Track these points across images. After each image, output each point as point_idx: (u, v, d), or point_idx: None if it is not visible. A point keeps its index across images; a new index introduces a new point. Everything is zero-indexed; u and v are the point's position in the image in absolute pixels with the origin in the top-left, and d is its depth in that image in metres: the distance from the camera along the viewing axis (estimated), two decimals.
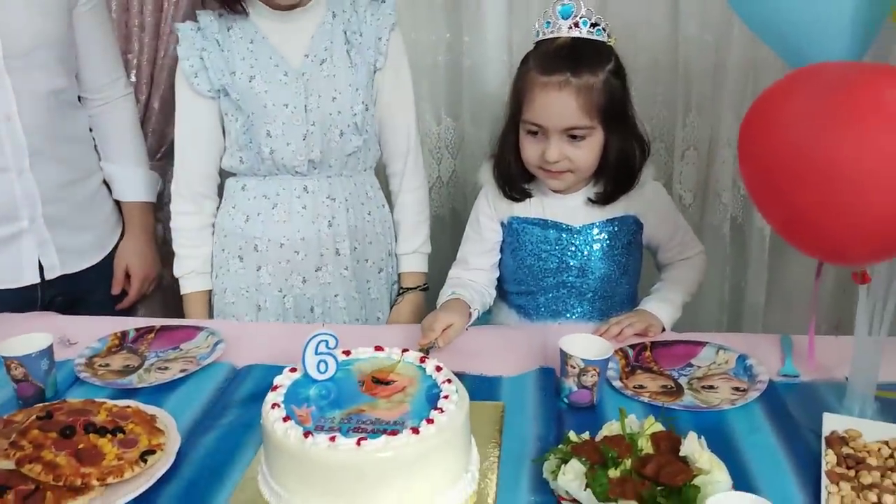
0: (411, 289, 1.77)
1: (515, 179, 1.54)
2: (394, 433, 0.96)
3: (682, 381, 1.30)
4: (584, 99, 1.39)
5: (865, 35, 1.06)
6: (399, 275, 1.79)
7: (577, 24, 1.44)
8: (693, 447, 1.00)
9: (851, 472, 1.02)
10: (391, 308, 1.79)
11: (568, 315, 1.56)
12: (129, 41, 1.93)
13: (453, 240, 1.89)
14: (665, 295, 1.53)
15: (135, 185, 1.84)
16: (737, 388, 1.27)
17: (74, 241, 1.72)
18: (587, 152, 1.45)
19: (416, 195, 1.77)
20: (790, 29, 1.07)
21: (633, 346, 1.39)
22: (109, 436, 1.08)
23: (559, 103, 1.40)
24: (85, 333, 1.47)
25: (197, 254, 1.71)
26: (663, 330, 1.47)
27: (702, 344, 1.40)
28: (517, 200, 1.56)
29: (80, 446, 1.05)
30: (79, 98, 1.75)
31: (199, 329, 1.50)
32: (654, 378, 1.31)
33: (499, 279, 1.63)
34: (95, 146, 1.82)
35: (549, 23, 1.46)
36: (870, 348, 1.16)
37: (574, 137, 1.43)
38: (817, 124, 0.94)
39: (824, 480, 1.01)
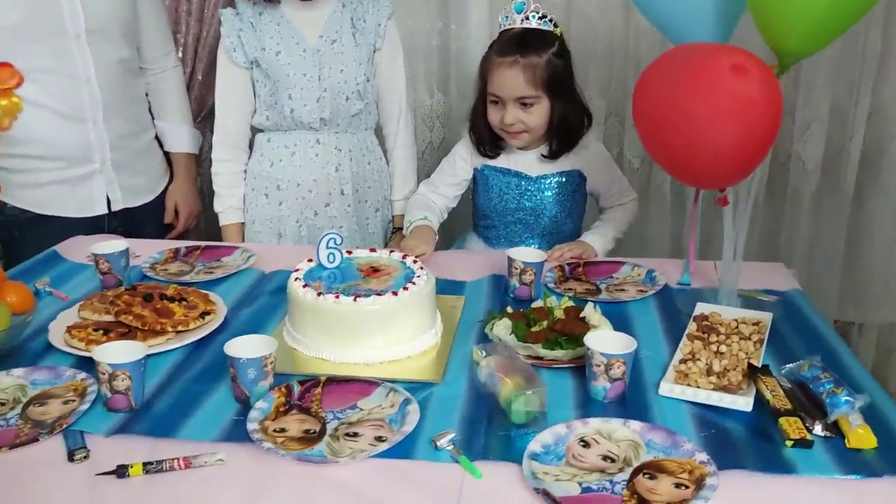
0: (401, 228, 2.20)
1: (485, 141, 1.96)
2: (380, 294, 1.39)
3: (602, 286, 1.72)
4: (529, 74, 1.81)
5: (727, 23, 1.48)
6: (393, 217, 2.22)
7: (527, 17, 1.86)
8: (589, 311, 1.43)
9: (704, 335, 1.44)
10: (385, 244, 2.21)
11: (522, 246, 1.97)
12: (178, 23, 2.35)
13: None
14: (600, 230, 1.95)
15: (181, 138, 2.28)
16: (641, 291, 1.68)
17: (134, 181, 2.16)
18: (536, 117, 1.86)
19: (406, 152, 2.19)
20: (671, 17, 1.48)
21: (569, 265, 1.81)
22: (177, 302, 1.51)
23: (511, 78, 1.82)
24: (144, 252, 1.90)
25: (233, 193, 2.14)
26: (596, 256, 1.89)
27: (622, 263, 1.82)
28: (490, 157, 1.97)
29: (158, 306, 1.48)
30: (140, 68, 2.18)
31: (235, 248, 1.93)
32: (581, 284, 1.73)
33: (472, 215, 2.05)
34: (150, 108, 2.25)
35: (507, 17, 1.89)
36: (731, 265, 1.58)
37: (525, 105, 1.85)
38: (676, 85, 1.36)
39: (683, 340, 1.42)
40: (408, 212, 1.99)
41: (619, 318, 1.51)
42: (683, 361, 1.34)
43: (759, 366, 1.31)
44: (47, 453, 1.13)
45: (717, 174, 1.41)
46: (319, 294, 1.38)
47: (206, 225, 2.40)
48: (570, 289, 1.69)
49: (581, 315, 1.43)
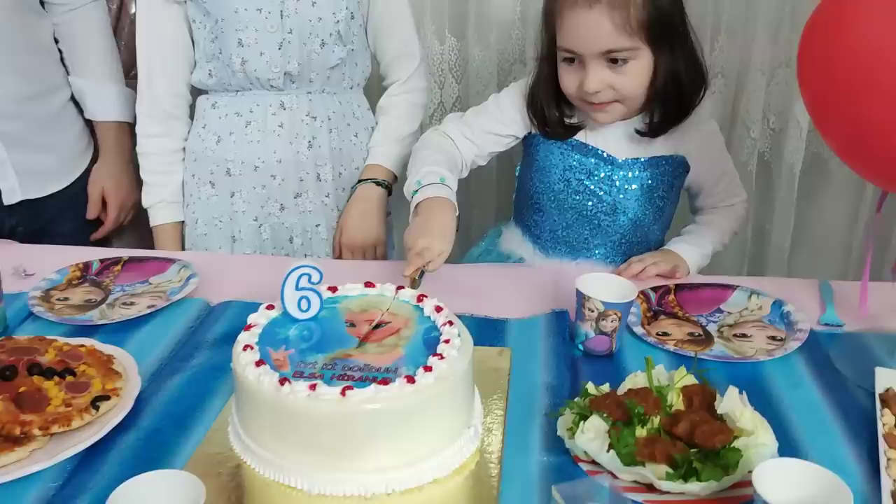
0: (368, 180, 1.54)
1: (554, 122, 1.35)
2: (385, 382, 0.82)
3: (711, 328, 1.16)
4: (620, 15, 1.20)
5: None
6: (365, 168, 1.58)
7: None
8: (733, 403, 0.86)
9: None
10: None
11: (587, 254, 1.40)
12: None
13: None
14: (696, 239, 1.38)
15: (108, 102, 1.67)
16: (773, 338, 1.12)
17: (37, 162, 1.56)
18: (632, 78, 1.25)
19: (413, 97, 1.58)
20: None
21: (654, 289, 1.24)
22: (57, 378, 0.94)
23: (590, 23, 1.21)
24: (46, 265, 1.32)
25: (166, 181, 1.55)
26: (688, 274, 1.32)
27: (732, 287, 1.25)
28: (562, 138, 1.38)
29: (22, 389, 0.91)
30: (42, 3, 1.57)
31: (170, 261, 1.35)
32: (680, 324, 1.17)
33: (516, 199, 1.46)
34: (62, 59, 1.64)
35: None
36: None
37: (615, 62, 1.24)
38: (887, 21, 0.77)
39: (882, 445, 0.87)
40: (415, 160, 1.34)
41: (753, 389, 0.95)
42: None
43: None
44: None
45: None
46: (284, 381, 0.81)
47: (145, 221, 1.80)
48: (665, 335, 1.13)
49: (717, 410, 0.87)
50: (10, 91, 1.49)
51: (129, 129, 1.74)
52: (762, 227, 1.98)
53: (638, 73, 1.25)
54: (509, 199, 1.53)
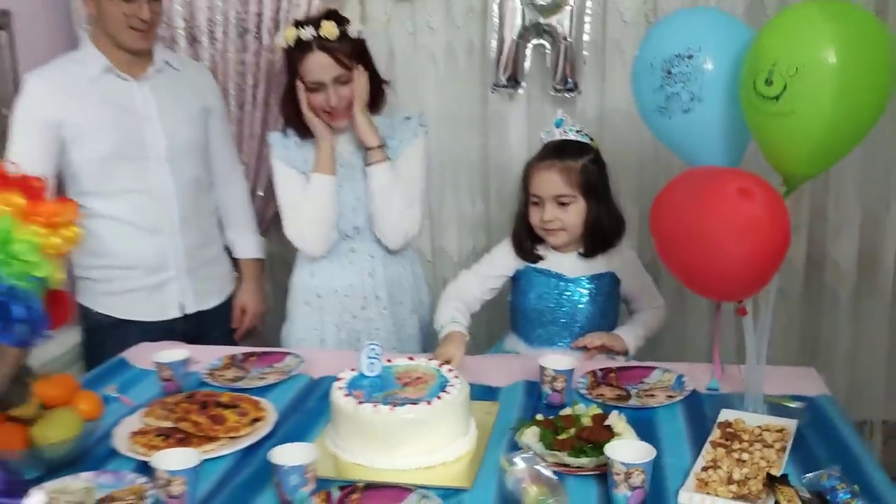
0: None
1: (526, 244, 2.08)
2: (414, 404, 1.49)
3: (633, 391, 1.79)
4: (565, 176, 1.96)
5: (737, 148, 1.59)
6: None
7: (565, 131, 2.01)
8: (614, 419, 1.50)
9: (727, 443, 1.49)
10: (422, 347, 2.27)
11: (559, 343, 2.05)
12: (241, 143, 2.57)
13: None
14: (630, 328, 2.04)
15: (249, 245, 2.46)
16: (670, 396, 1.74)
17: (204, 286, 2.34)
18: (572, 215, 1.99)
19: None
20: (684, 144, 1.60)
21: (602, 370, 1.89)
22: (231, 409, 1.64)
23: (549, 178, 1.97)
24: (205, 357, 2.04)
25: None
26: (626, 352, 1.97)
27: (653, 368, 1.88)
28: (530, 260, 2.09)
29: (213, 413, 1.61)
30: (210, 183, 2.38)
31: (286, 354, 2.07)
32: (613, 390, 1.80)
33: (511, 316, 2.15)
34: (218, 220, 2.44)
35: (548, 132, 2.05)
36: (755, 370, 1.64)
37: (562, 204, 1.98)
38: (687, 207, 1.46)
39: (706, 447, 1.48)
40: (441, 307, 2.07)
41: (647, 425, 1.58)
42: (705, 469, 1.39)
43: (779, 475, 1.35)
44: None
45: (730, 289, 1.49)
46: (360, 403, 1.49)
47: (265, 327, 2.55)
48: (601, 395, 1.76)
49: (606, 423, 1.50)
50: (194, 241, 2.28)
51: (261, 263, 2.51)
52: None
53: (576, 212, 1.99)
54: (504, 313, 2.22)
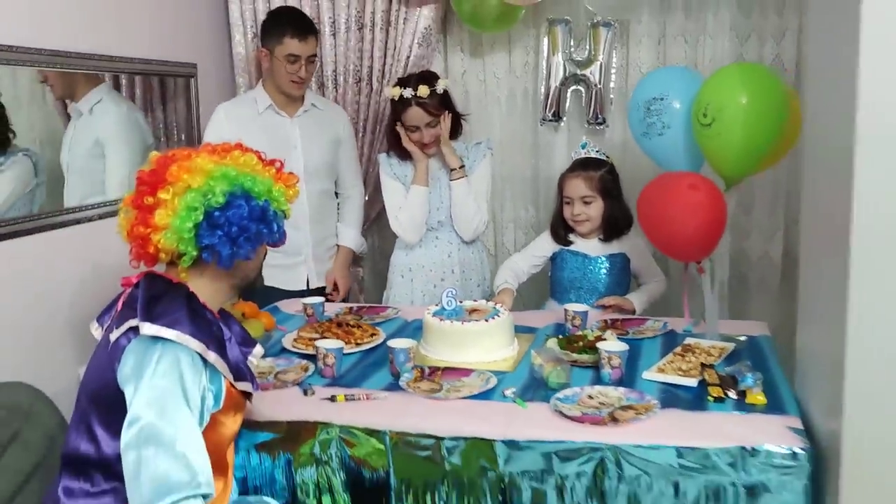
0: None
1: (562, 236, 2.88)
2: (477, 322, 2.30)
3: (630, 332, 2.55)
4: (588, 182, 2.76)
5: (697, 159, 2.37)
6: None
7: (588, 151, 2.83)
8: (608, 336, 2.28)
9: (684, 353, 2.24)
10: None
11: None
12: (363, 163, 3.45)
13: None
14: (636, 294, 2.81)
15: (350, 237, 3.29)
16: (656, 334, 2.51)
17: (324, 268, 3.21)
18: (594, 211, 2.78)
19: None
20: (664, 158, 2.39)
21: (612, 319, 2.65)
22: (358, 328, 2.49)
23: (577, 184, 2.78)
24: (329, 309, 2.89)
25: None
26: (633, 312, 2.74)
27: (648, 319, 2.65)
28: (565, 245, 2.89)
29: (345, 329, 2.46)
30: (335, 194, 3.27)
31: (387, 307, 2.90)
32: (617, 331, 2.57)
33: (550, 286, 2.95)
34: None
35: (577, 151, 2.87)
36: (713, 314, 2.39)
37: (586, 202, 2.78)
38: (660, 195, 2.25)
39: (668, 355, 2.23)
40: (498, 276, 2.91)
41: (636, 349, 2.33)
42: (664, 364, 2.16)
43: (709, 365, 2.10)
44: (292, 392, 2.08)
45: (689, 252, 2.27)
46: (441, 320, 2.31)
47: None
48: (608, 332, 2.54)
49: (603, 338, 2.28)
50: (318, 234, 3.14)
51: (353, 254, 3.36)
52: None
53: (597, 208, 2.78)
54: (546, 286, 3.02)
